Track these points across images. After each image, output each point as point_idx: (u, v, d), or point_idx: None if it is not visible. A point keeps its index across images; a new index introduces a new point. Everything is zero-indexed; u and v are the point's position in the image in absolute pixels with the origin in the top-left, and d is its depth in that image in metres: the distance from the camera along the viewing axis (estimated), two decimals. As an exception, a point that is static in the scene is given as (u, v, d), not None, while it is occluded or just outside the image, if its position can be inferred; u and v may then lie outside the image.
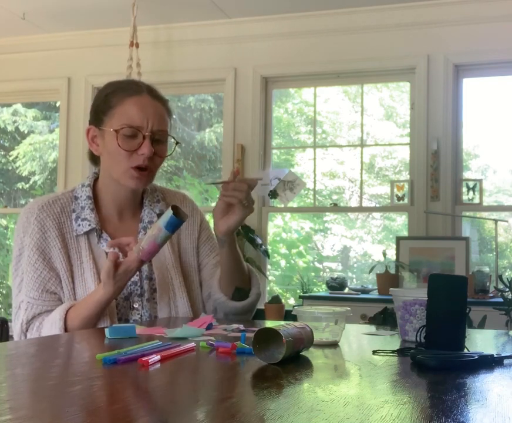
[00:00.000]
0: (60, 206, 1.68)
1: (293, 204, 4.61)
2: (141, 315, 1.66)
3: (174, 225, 1.54)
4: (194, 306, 1.75)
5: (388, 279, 3.87)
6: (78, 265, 1.64)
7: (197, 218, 1.84)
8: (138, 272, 1.66)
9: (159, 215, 1.75)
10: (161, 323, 1.54)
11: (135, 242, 1.57)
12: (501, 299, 1.61)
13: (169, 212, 1.53)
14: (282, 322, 1.14)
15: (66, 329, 1.54)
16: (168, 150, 1.71)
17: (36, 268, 1.60)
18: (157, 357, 1.00)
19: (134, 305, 1.66)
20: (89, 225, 1.66)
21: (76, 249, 1.65)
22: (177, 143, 1.75)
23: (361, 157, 4.51)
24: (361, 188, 4.55)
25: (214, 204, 1.87)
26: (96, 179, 1.75)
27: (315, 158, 4.60)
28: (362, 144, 4.51)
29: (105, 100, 1.66)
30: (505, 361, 1.05)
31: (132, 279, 1.64)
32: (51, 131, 6.09)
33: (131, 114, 1.62)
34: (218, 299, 1.75)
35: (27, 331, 1.59)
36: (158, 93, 1.71)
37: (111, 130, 1.62)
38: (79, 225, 1.66)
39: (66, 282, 1.61)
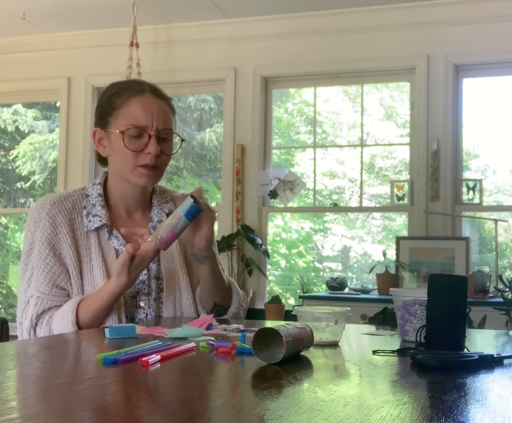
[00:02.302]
0: (71, 202, 1.69)
1: (293, 204, 4.62)
2: (146, 314, 1.67)
3: (194, 214, 1.53)
4: (199, 307, 1.75)
5: (389, 279, 3.87)
6: (87, 262, 1.64)
7: None
8: (146, 271, 1.68)
9: (168, 215, 1.75)
10: (166, 322, 1.54)
11: (149, 234, 1.58)
12: (501, 299, 1.62)
13: (189, 201, 1.52)
14: (282, 322, 1.14)
15: (77, 322, 1.54)
16: (173, 147, 1.73)
17: (47, 263, 1.61)
18: (157, 357, 1.00)
19: (141, 304, 1.67)
20: (100, 221, 1.66)
21: (85, 246, 1.65)
22: (182, 141, 1.76)
23: (361, 157, 4.50)
24: (361, 188, 4.55)
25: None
26: (106, 178, 1.76)
27: (315, 158, 4.60)
28: (362, 144, 4.51)
29: (109, 102, 1.67)
30: (505, 361, 1.05)
31: (140, 278, 1.65)
32: (51, 131, 6.09)
33: (136, 114, 1.63)
34: (197, 312, 1.75)
35: (36, 325, 1.59)
36: (161, 91, 1.72)
37: (117, 131, 1.64)
38: (90, 221, 1.67)
39: (74, 279, 1.62)
